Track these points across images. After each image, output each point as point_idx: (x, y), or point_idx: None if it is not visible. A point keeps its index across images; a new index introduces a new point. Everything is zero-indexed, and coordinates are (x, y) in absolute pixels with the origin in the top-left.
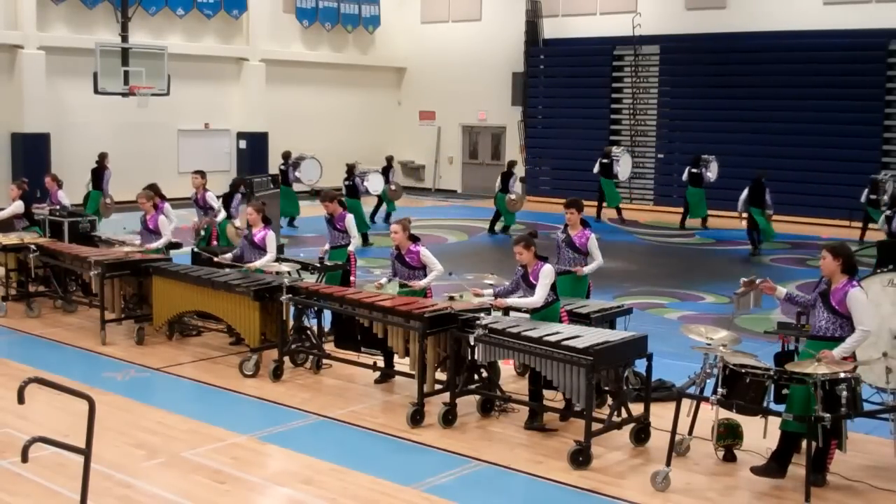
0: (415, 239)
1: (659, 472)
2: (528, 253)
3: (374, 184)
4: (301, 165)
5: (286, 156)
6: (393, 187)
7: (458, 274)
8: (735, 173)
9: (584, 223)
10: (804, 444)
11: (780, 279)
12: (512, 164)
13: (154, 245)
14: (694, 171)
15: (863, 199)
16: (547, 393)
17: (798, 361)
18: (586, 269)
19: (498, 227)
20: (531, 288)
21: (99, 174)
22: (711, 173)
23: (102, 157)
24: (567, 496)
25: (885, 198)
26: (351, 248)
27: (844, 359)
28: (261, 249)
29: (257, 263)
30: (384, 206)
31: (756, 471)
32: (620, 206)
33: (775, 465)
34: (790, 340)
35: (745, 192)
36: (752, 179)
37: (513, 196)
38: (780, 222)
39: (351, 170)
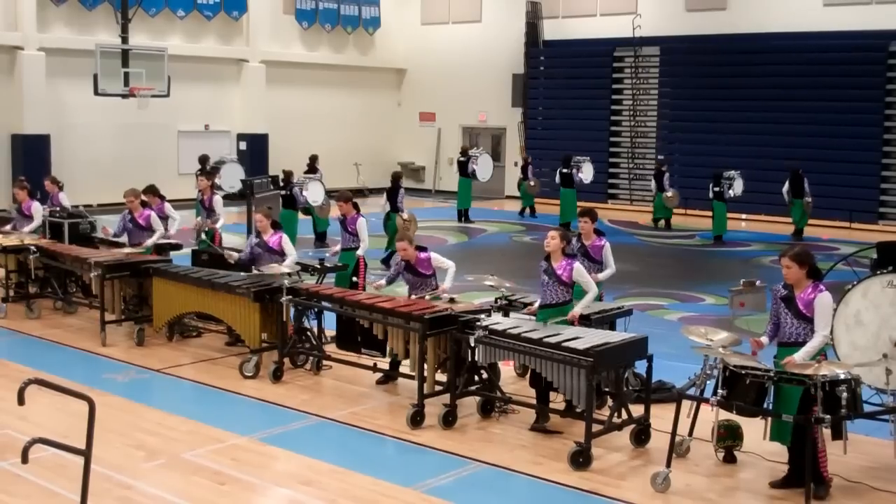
0: (422, 249)
1: (659, 473)
2: (559, 242)
3: (314, 193)
4: (309, 187)
5: (289, 176)
6: (405, 215)
7: (459, 275)
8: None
9: (599, 232)
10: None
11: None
12: (661, 164)
13: (149, 241)
14: (564, 171)
15: (710, 193)
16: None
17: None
18: (601, 276)
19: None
20: (559, 282)
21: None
22: (584, 175)
23: (313, 160)
24: (567, 497)
25: (731, 192)
26: (359, 251)
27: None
28: (278, 254)
29: (281, 267)
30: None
31: (776, 484)
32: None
33: (795, 480)
34: None
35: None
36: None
37: (669, 193)
38: (780, 223)
39: (288, 178)
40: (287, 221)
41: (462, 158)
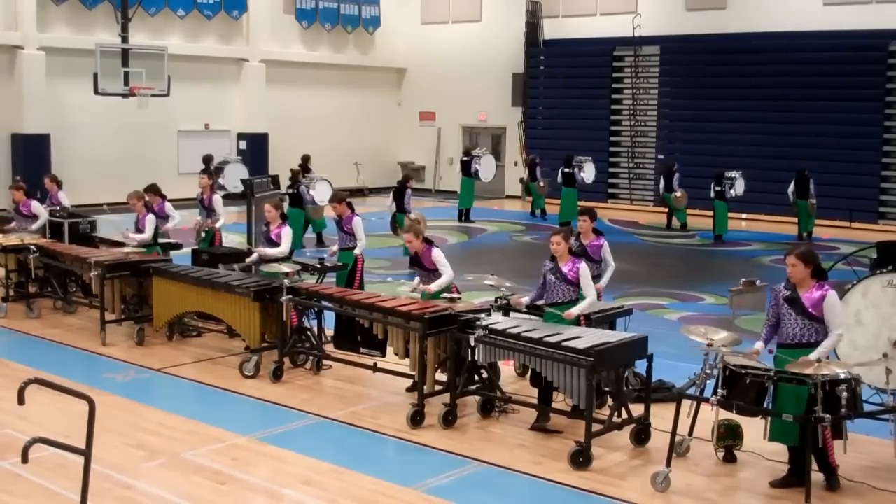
0: (429, 242)
1: (659, 472)
2: (565, 245)
3: (321, 192)
4: (316, 186)
5: (296, 175)
6: (414, 216)
7: (458, 274)
8: None
9: (597, 232)
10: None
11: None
12: (672, 164)
13: (138, 237)
14: (566, 170)
15: (711, 193)
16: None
17: (793, 363)
18: (602, 283)
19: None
20: (566, 282)
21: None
22: (586, 174)
23: (306, 160)
24: (567, 497)
25: (732, 192)
26: (357, 251)
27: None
28: (276, 245)
29: (268, 251)
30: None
31: (776, 484)
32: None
33: (795, 479)
34: None
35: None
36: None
37: (678, 193)
38: (781, 222)
39: (295, 177)
40: (294, 220)
41: (465, 158)
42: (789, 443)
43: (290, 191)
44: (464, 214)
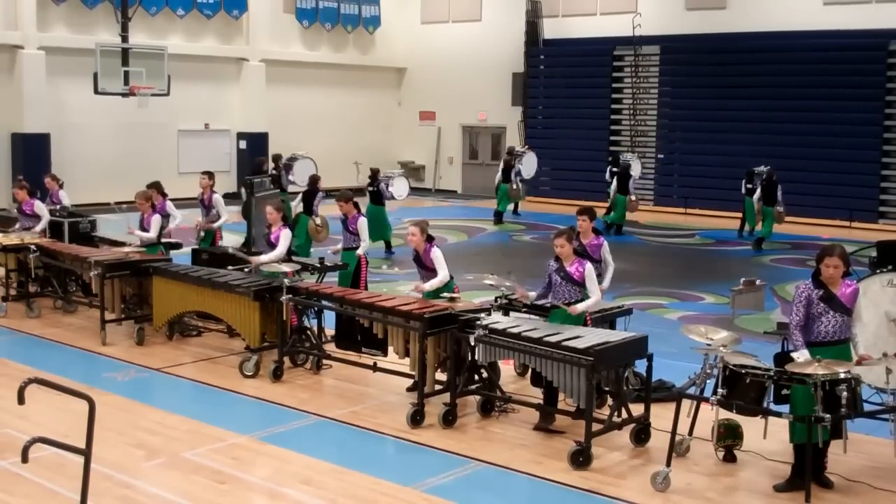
0: (430, 239)
1: (659, 472)
2: (570, 247)
3: (400, 188)
4: (394, 183)
5: (375, 174)
6: (318, 220)
7: (458, 274)
8: (735, 173)
9: (596, 231)
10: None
11: (779, 280)
12: (626, 164)
13: (144, 236)
14: (615, 170)
15: (742, 189)
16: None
17: (802, 362)
18: (605, 285)
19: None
20: (572, 282)
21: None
22: (633, 171)
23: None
24: (567, 496)
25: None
26: (360, 251)
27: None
28: (274, 248)
29: (262, 258)
30: None
31: (780, 488)
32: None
33: (799, 481)
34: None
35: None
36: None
37: (633, 197)
38: (783, 221)
39: (375, 175)
40: (375, 217)
41: (507, 157)
42: (820, 440)
43: (370, 189)
44: (512, 212)
